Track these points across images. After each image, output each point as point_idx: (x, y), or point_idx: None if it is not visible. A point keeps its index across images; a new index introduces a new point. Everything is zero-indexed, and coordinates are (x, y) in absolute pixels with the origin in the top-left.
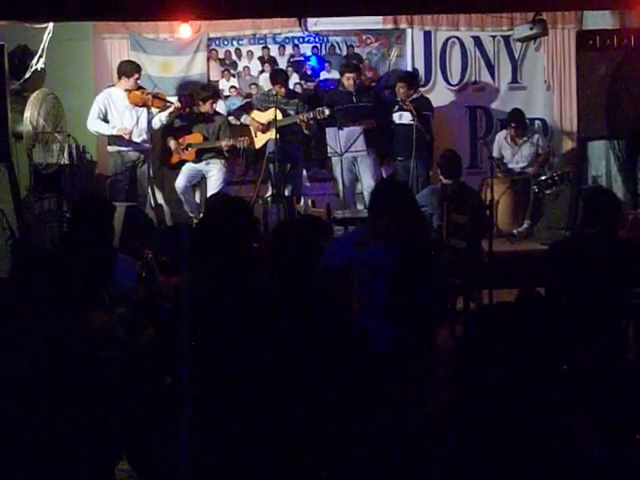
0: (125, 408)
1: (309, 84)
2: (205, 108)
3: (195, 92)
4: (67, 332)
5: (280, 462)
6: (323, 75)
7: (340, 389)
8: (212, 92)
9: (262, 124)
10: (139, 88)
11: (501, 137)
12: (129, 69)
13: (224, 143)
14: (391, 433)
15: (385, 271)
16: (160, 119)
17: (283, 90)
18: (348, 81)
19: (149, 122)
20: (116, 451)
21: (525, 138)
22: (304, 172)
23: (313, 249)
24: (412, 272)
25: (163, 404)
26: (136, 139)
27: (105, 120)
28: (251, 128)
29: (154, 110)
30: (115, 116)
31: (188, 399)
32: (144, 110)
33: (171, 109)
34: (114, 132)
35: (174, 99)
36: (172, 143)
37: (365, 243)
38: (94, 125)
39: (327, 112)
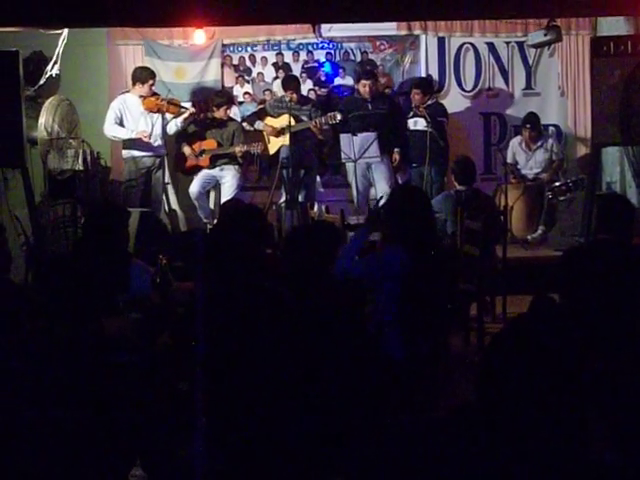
0: (139, 413)
1: (323, 90)
2: (219, 114)
3: (209, 98)
4: (82, 337)
5: (294, 467)
6: (337, 81)
7: (353, 394)
8: (226, 98)
9: (275, 129)
10: (153, 94)
11: (515, 143)
12: (144, 75)
13: (238, 149)
14: (402, 437)
15: (399, 276)
16: (175, 125)
17: (295, 96)
18: (364, 88)
19: (164, 128)
20: (130, 456)
21: (539, 143)
22: (318, 178)
23: (326, 256)
24: (426, 278)
25: (177, 410)
26: (152, 144)
27: (121, 125)
28: (264, 134)
29: (169, 116)
30: (130, 122)
31: (202, 405)
32: (159, 116)
33: (186, 115)
34: (133, 135)
35: (188, 105)
36: (186, 149)
37: (378, 248)
38: (111, 130)
39: (339, 117)
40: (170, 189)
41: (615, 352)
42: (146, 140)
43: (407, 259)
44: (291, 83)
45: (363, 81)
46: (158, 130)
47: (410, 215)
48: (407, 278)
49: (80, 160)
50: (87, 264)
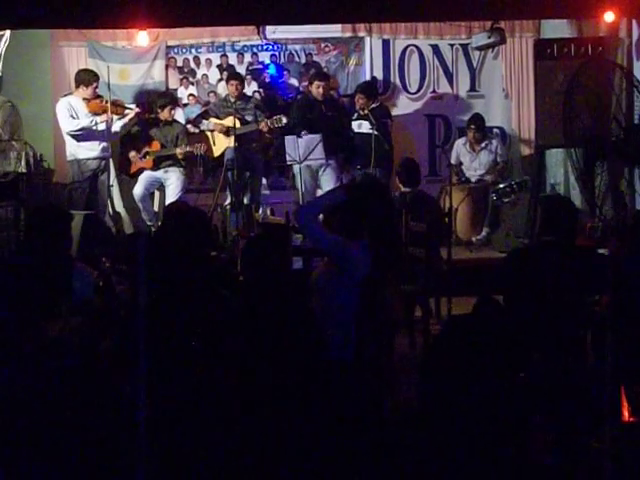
0: (82, 416)
1: (267, 92)
2: (164, 115)
3: (153, 100)
4: (23, 341)
5: (236, 468)
6: (282, 83)
7: (299, 397)
8: (170, 98)
9: (225, 126)
10: (97, 96)
11: (460, 144)
12: (87, 78)
13: (180, 150)
14: (349, 439)
15: (358, 275)
16: (120, 126)
17: (240, 88)
18: (318, 89)
19: (108, 129)
20: (73, 459)
21: (483, 145)
22: (264, 180)
23: (284, 258)
24: (382, 277)
25: (122, 412)
26: (96, 147)
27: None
28: (211, 134)
29: (114, 117)
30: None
31: (144, 408)
32: (102, 120)
33: (131, 115)
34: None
35: (133, 106)
36: (132, 153)
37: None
38: (71, 124)
39: (284, 120)
40: (115, 191)
41: (556, 354)
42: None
43: (369, 260)
44: (234, 77)
45: (317, 82)
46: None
47: (373, 210)
48: (367, 277)
49: (23, 162)
50: (29, 267)
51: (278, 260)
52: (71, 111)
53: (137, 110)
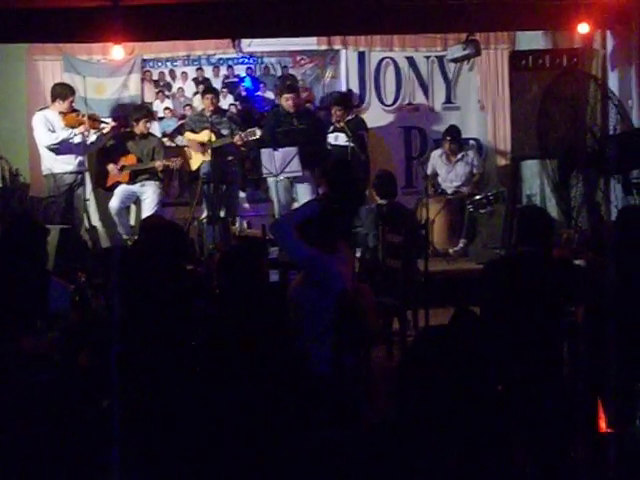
0: (59, 431)
1: (244, 105)
2: (139, 129)
3: (129, 113)
4: None
5: None
6: (257, 96)
7: (277, 410)
8: (145, 112)
9: (199, 143)
10: (73, 110)
11: (436, 155)
12: (63, 92)
13: (157, 164)
14: (326, 452)
15: (334, 287)
16: (95, 139)
17: (215, 102)
18: (287, 102)
19: (84, 143)
20: (50, 474)
21: (460, 156)
22: (240, 193)
23: (258, 270)
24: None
25: (98, 426)
26: (73, 161)
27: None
28: (187, 149)
29: (90, 131)
30: None
31: (118, 422)
32: (79, 132)
33: (107, 129)
34: (75, 132)
35: (109, 120)
36: (110, 166)
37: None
38: (49, 139)
39: (259, 133)
40: (91, 205)
41: (533, 364)
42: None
43: (343, 269)
44: (210, 91)
45: (286, 95)
46: (79, 144)
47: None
48: (342, 293)
49: None
50: (4, 281)
51: (252, 273)
52: (48, 125)
53: (113, 124)
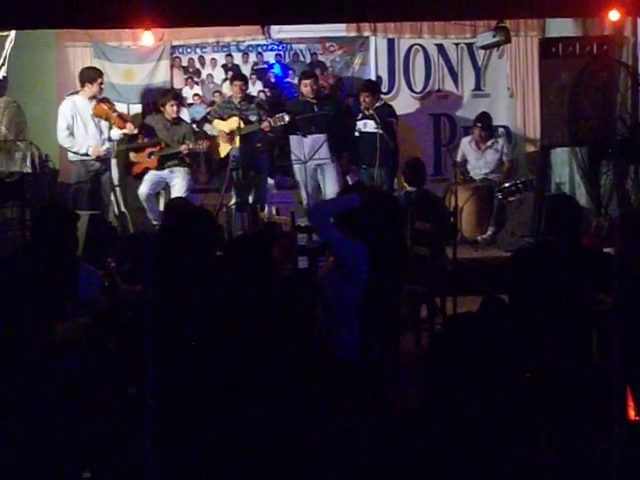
0: (88, 418)
1: (273, 91)
2: (168, 113)
3: (157, 98)
4: (31, 342)
5: (244, 471)
6: (287, 82)
7: (303, 397)
8: (172, 95)
9: (227, 133)
10: (105, 100)
11: (465, 142)
12: (91, 75)
13: (183, 147)
14: (353, 439)
15: (362, 275)
16: (117, 138)
17: (244, 89)
18: (305, 88)
19: (109, 137)
20: (79, 461)
21: (489, 143)
22: (269, 180)
23: (268, 262)
24: (385, 278)
25: (126, 414)
26: (101, 151)
27: (71, 132)
28: (218, 137)
29: (114, 127)
30: (80, 127)
31: (151, 410)
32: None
33: (126, 130)
34: (90, 152)
35: (138, 107)
36: (132, 154)
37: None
38: (66, 142)
39: (287, 118)
40: (119, 191)
41: (562, 353)
42: (97, 154)
43: (370, 257)
44: (239, 78)
45: (304, 81)
46: (106, 134)
47: (379, 214)
48: (370, 277)
49: (28, 162)
50: (35, 267)
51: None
52: (73, 117)
53: (134, 132)
